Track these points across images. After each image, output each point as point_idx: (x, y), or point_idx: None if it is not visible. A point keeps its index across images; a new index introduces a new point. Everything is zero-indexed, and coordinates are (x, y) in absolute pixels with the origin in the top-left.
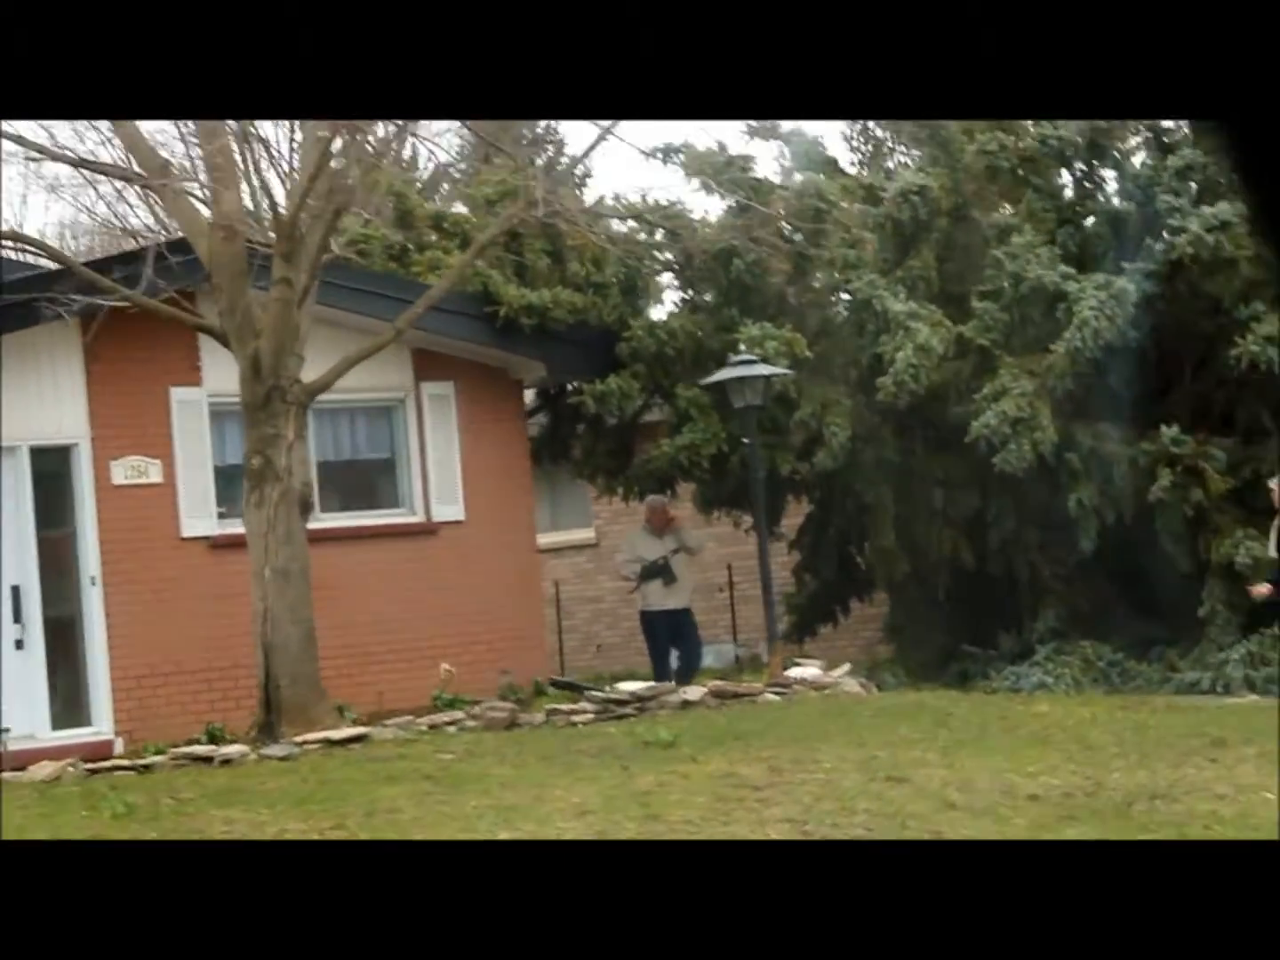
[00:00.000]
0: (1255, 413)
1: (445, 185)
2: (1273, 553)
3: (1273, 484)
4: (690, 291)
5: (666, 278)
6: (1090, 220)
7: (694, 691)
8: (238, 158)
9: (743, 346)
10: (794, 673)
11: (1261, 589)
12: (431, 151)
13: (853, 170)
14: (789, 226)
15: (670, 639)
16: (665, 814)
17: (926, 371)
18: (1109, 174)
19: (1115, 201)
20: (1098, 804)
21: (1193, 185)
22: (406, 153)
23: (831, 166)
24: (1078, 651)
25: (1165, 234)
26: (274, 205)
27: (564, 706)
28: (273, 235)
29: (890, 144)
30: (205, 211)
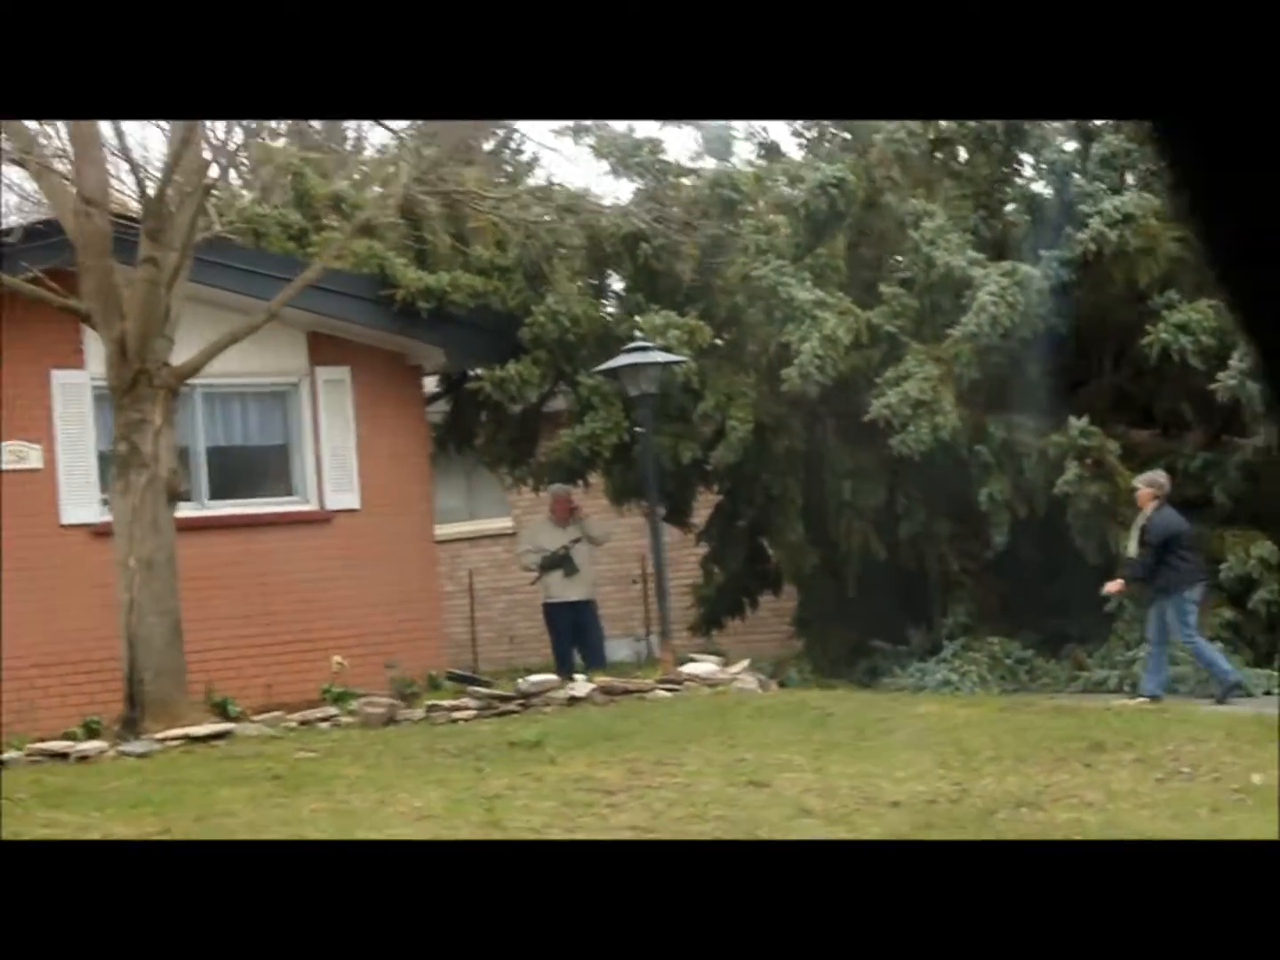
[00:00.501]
0: (1174, 405)
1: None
2: (1130, 551)
3: (1137, 483)
4: (597, 277)
5: (574, 263)
6: (1009, 206)
7: (581, 688)
8: (105, 130)
9: (639, 333)
10: (689, 669)
11: (1114, 585)
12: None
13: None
14: (699, 212)
15: (572, 632)
16: (508, 820)
17: (833, 362)
18: (1029, 159)
19: (1034, 187)
20: (959, 812)
21: (1115, 173)
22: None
23: (773, 152)
24: (985, 648)
25: (1082, 222)
26: (141, 182)
27: (446, 703)
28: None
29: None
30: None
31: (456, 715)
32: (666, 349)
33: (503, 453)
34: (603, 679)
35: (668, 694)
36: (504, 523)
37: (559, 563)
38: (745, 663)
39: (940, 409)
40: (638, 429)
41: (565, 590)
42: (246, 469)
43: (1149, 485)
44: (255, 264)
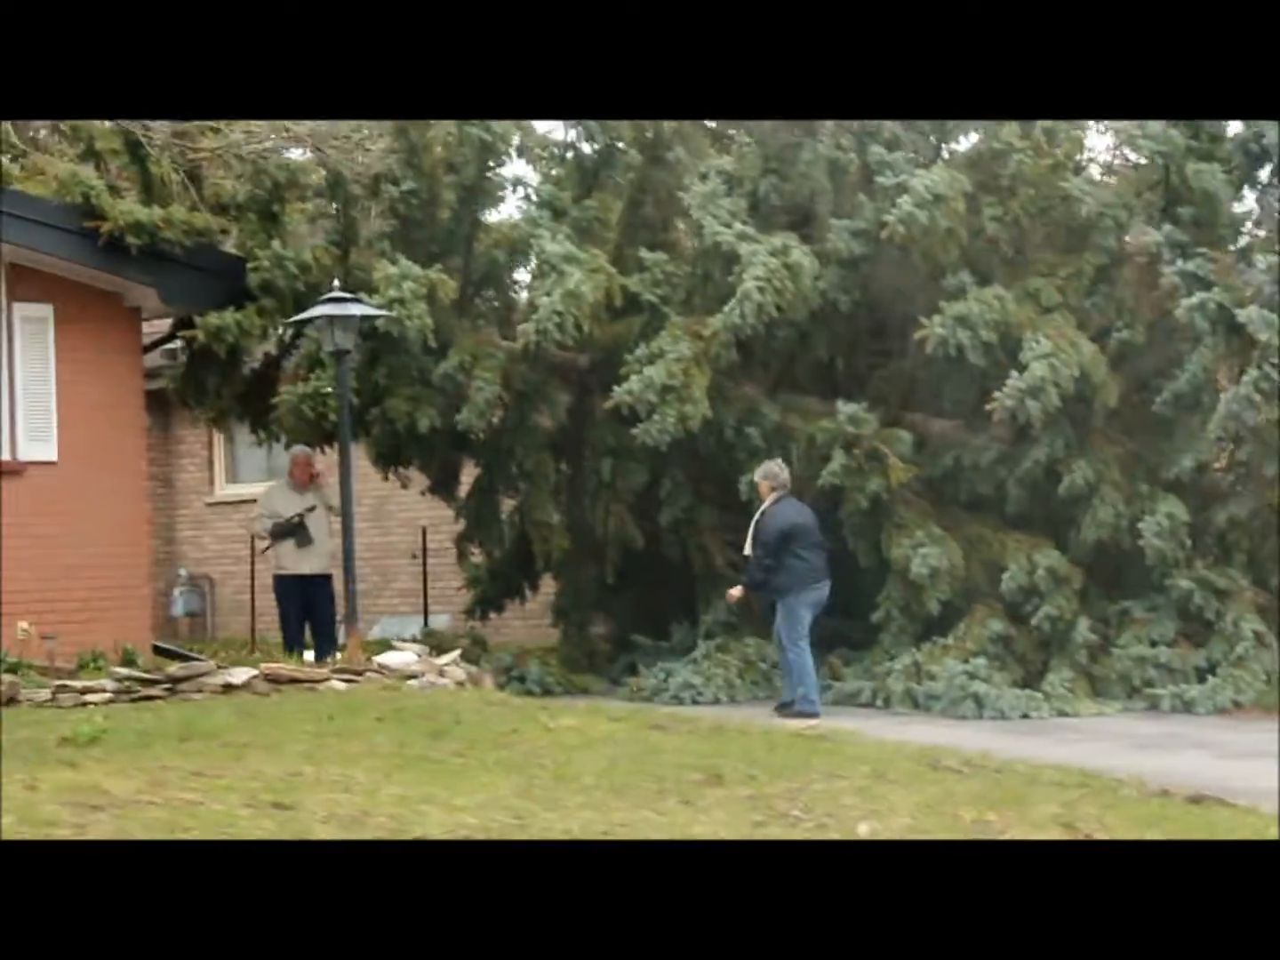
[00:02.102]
0: (966, 396)
1: None
2: (746, 550)
3: (757, 477)
4: (342, 222)
5: (315, 205)
6: (803, 170)
7: (240, 674)
8: None
9: (336, 284)
10: (384, 658)
11: (734, 591)
12: None
13: None
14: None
15: (303, 607)
16: None
17: (575, 321)
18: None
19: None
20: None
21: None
22: None
23: None
24: (739, 650)
25: (891, 201)
26: None
27: (79, 684)
28: None
29: None
30: None
31: (89, 698)
32: (400, 302)
33: (229, 408)
34: (267, 665)
35: (342, 685)
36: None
37: (291, 531)
38: (455, 654)
39: (690, 396)
40: (326, 390)
41: (298, 562)
42: None
43: (764, 477)
44: None
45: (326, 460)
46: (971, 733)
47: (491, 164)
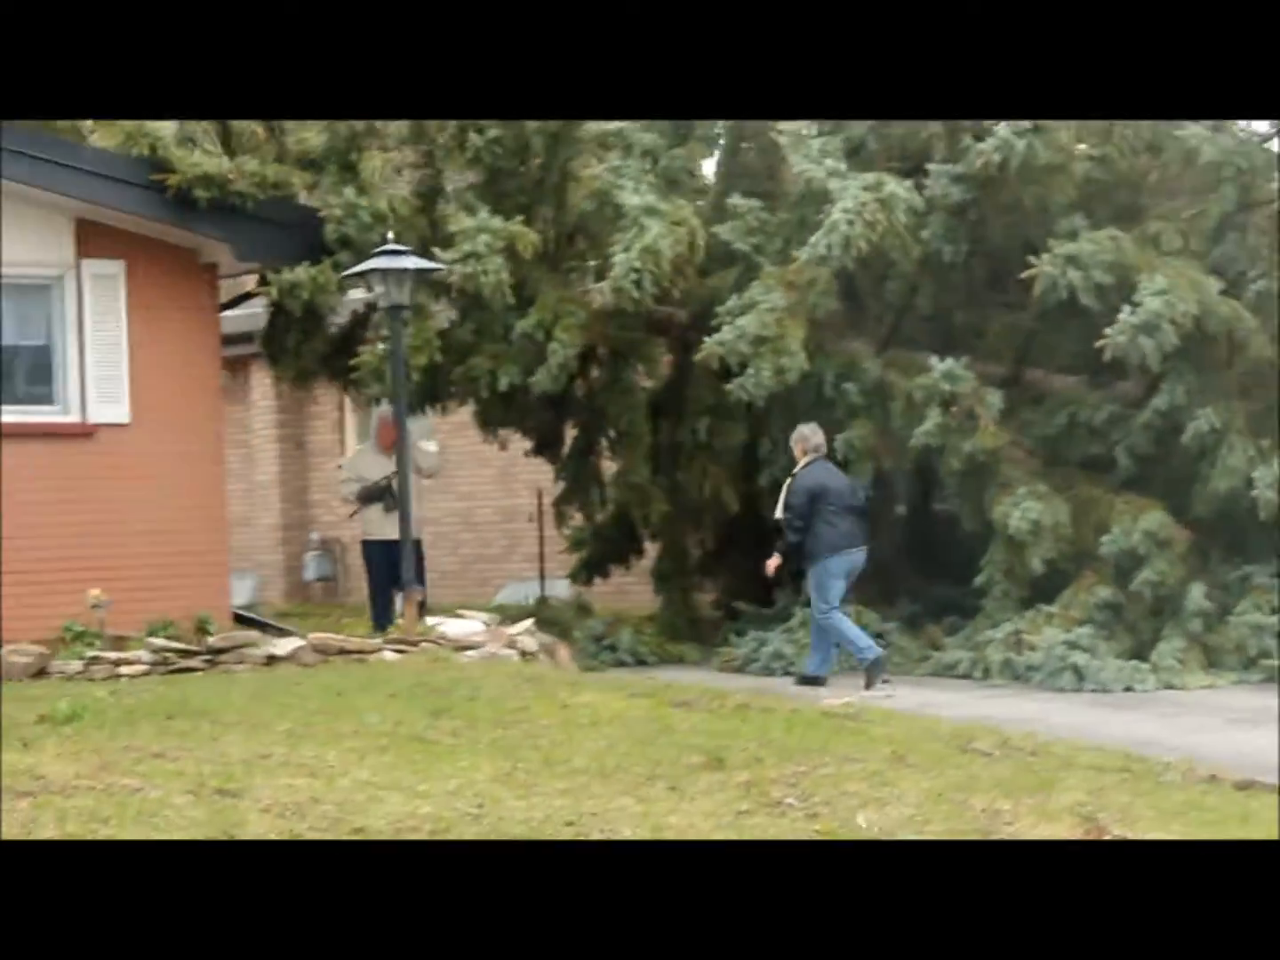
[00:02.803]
0: (1084, 348)
1: None
2: (778, 514)
3: (791, 440)
4: (432, 171)
5: (400, 155)
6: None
7: (286, 645)
8: None
9: (390, 235)
10: (448, 627)
11: (771, 562)
12: None
13: None
14: None
15: (391, 575)
16: None
17: (654, 276)
18: None
19: None
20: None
21: None
22: None
23: None
24: None
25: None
26: None
27: (113, 655)
28: None
29: None
30: None
31: (122, 670)
32: (475, 256)
33: (312, 367)
34: (318, 636)
35: (394, 656)
36: (431, 447)
37: (378, 495)
38: (527, 623)
39: (785, 347)
40: (379, 345)
41: (385, 527)
42: None
43: (797, 440)
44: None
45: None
46: (1063, 706)
47: None
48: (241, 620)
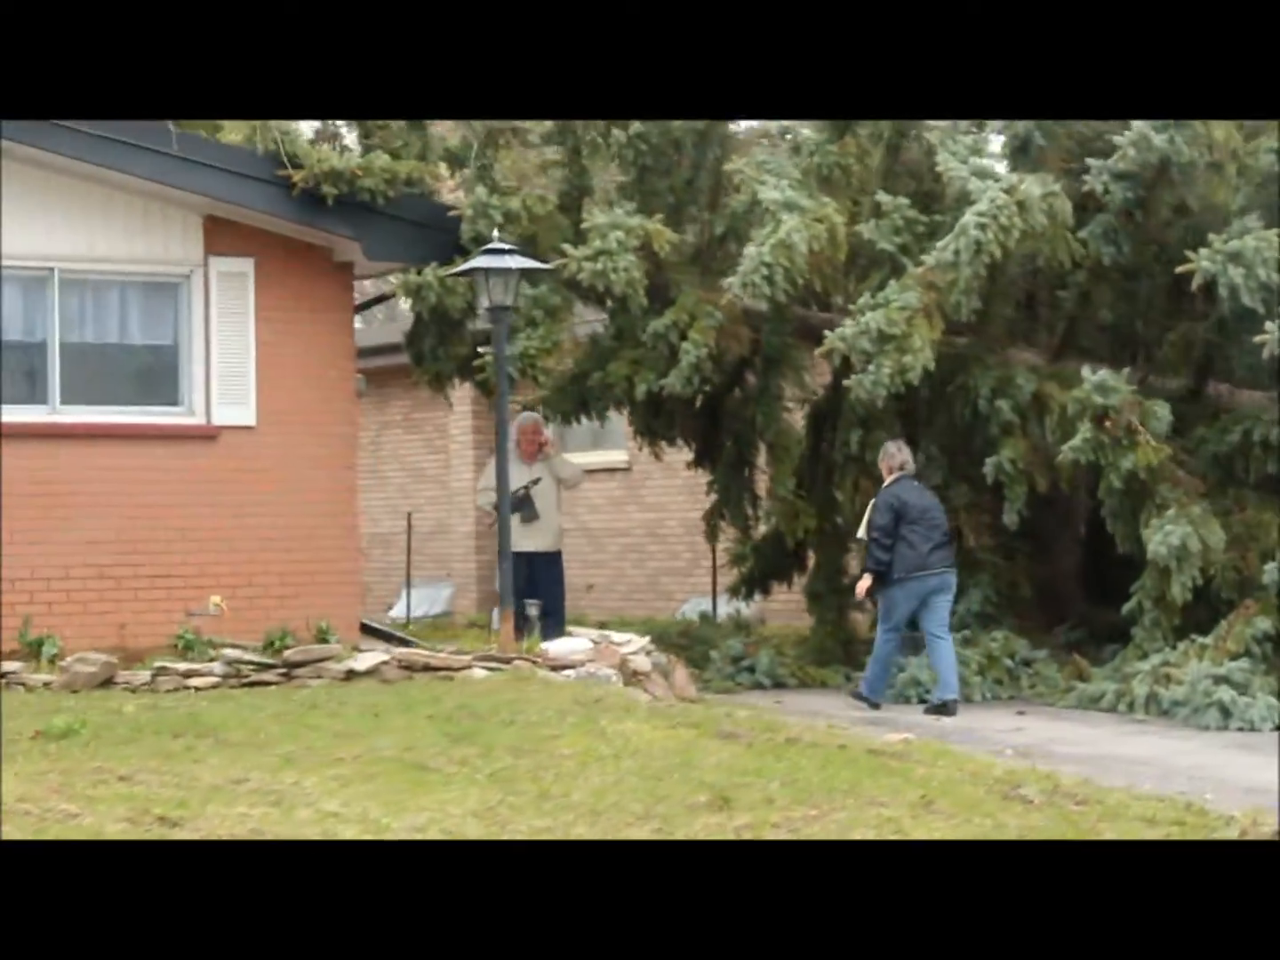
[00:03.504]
0: (1253, 359)
1: None
2: (861, 533)
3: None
4: (576, 169)
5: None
6: None
7: (366, 660)
8: None
9: (496, 233)
10: (552, 644)
11: (861, 585)
12: None
13: None
14: None
15: (529, 587)
16: None
17: (787, 272)
18: None
19: None
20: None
21: None
22: None
23: None
24: (984, 644)
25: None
26: None
27: (182, 666)
28: None
29: None
30: None
31: (191, 683)
32: (607, 254)
33: (449, 370)
34: (404, 651)
35: (484, 673)
36: (619, 456)
37: (516, 505)
38: (642, 641)
39: (910, 345)
40: (480, 349)
41: (522, 539)
42: (119, 371)
43: (883, 458)
44: (110, 129)
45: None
46: (1198, 745)
47: None
48: (369, 632)
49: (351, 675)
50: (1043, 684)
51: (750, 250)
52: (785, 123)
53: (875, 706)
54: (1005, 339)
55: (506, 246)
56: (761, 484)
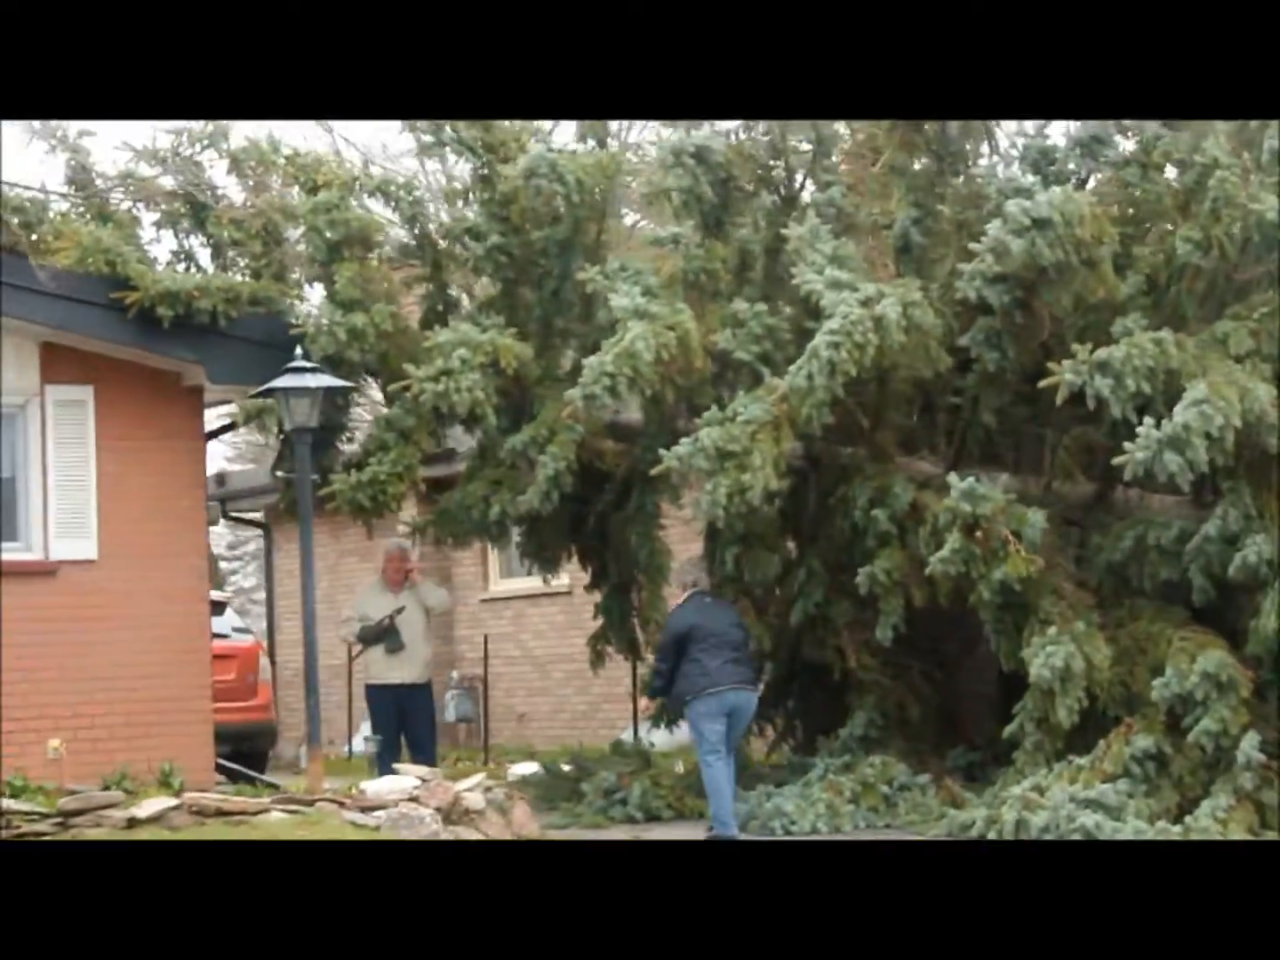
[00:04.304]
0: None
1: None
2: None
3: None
4: (435, 283)
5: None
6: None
7: (150, 806)
8: None
9: (299, 351)
10: (370, 784)
11: (643, 703)
12: None
13: None
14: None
15: (397, 721)
16: None
17: (630, 382)
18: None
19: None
20: None
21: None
22: None
23: None
24: (860, 770)
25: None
26: None
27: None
28: None
29: None
30: None
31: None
32: (448, 373)
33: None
34: (194, 796)
35: (283, 817)
36: (564, 580)
37: (379, 636)
38: (476, 778)
39: (750, 464)
40: (278, 473)
41: (388, 670)
42: None
43: (675, 575)
44: None
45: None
46: None
47: (584, 214)
48: (226, 773)
49: (134, 823)
50: (917, 812)
51: (592, 361)
52: (660, 230)
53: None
54: (897, 448)
55: (308, 365)
56: None
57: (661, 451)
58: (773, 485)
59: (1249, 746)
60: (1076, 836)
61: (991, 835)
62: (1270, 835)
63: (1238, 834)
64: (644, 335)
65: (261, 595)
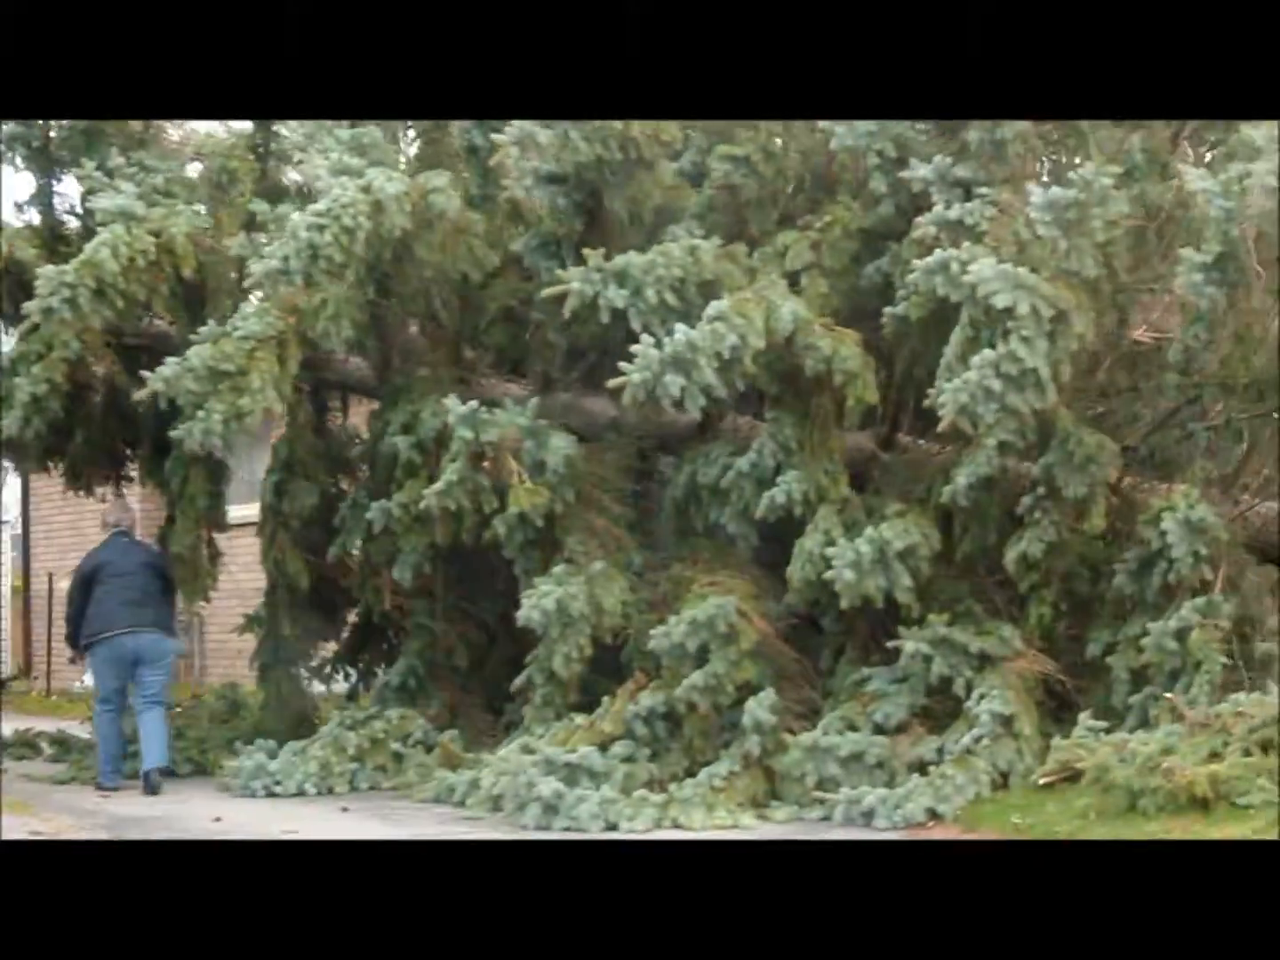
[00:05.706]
0: None
1: None
2: None
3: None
4: None
5: None
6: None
7: None
8: None
9: None
10: None
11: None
12: None
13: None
14: None
15: None
16: None
17: (92, 295)
18: None
19: None
20: None
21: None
22: None
23: None
24: (371, 725)
25: None
26: None
27: None
28: None
29: None
30: None
31: None
32: None
33: None
34: None
35: None
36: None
37: None
38: None
39: (247, 385)
40: None
41: None
42: None
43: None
44: None
45: None
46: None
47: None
48: None
49: None
50: (417, 772)
51: (49, 270)
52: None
53: (109, 791)
54: (484, 368)
55: None
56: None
57: (145, 374)
58: (277, 409)
59: (757, 706)
60: (534, 808)
61: (471, 801)
62: (776, 814)
63: (731, 805)
64: (112, 241)
65: None
